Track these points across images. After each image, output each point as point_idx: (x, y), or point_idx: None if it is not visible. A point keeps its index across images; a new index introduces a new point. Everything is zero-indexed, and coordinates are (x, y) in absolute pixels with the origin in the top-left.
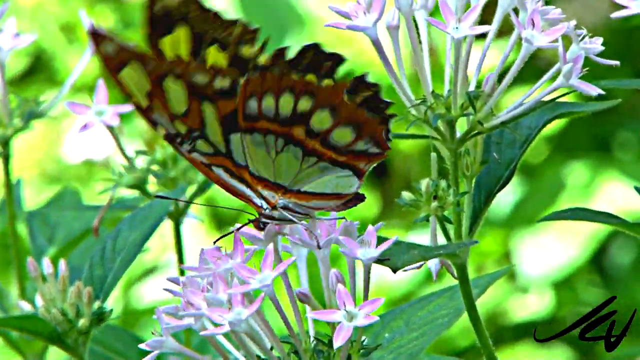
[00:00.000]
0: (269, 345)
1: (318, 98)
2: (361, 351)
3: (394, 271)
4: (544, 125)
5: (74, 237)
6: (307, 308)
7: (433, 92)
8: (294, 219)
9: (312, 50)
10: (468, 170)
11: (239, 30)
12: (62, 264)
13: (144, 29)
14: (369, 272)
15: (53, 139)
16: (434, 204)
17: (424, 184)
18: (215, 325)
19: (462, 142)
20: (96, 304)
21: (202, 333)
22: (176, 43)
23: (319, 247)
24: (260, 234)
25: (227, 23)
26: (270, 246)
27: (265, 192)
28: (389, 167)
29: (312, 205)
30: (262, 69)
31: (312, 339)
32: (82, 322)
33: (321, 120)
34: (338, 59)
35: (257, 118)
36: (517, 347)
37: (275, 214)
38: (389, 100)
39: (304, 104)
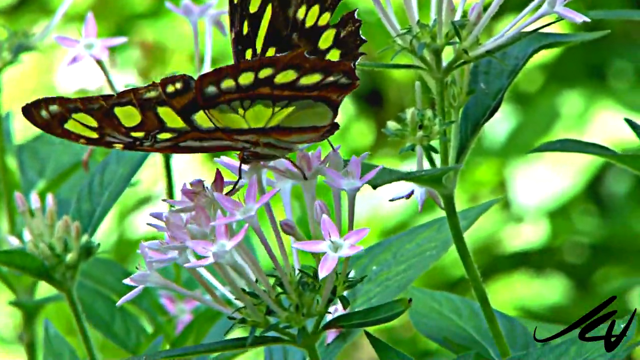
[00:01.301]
0: (254, 278)
1: (277, 66)
2: (346, 283)
3: (374, 188)
4: (531, 55)
5: (64, 170)
6: (292, 240)
7: (419, 21)
8: (277, 153)
9: None
10: (455, 101)
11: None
12: (49, 198)
13: None
14: (353, 203)
15: (46, 68)
16: (420, 133)
17: (410, 113)
18: (200, 258)
19: (448, 72)
20: (84, 238)
21: (185, 265)
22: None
23: (305, 178)
24: (245, 167)
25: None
26: (254, 177)
27: (243, 138)
28: (383, 97)
29: (292, 139)
30: None
31: (297, 271)
32: (70, 257)
33: (286, 75)
34: None
35: (218, 96)
36: (513, 277)
37: (258, 149)
38: (364, 38)
39: (265, 72)
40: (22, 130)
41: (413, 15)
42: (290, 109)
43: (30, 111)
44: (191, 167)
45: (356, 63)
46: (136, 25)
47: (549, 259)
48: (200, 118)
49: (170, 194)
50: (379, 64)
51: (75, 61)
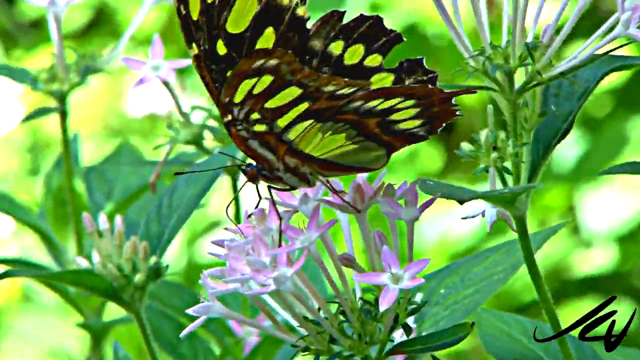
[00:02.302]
0: (316, 306)
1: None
2: (409, 310)
3: (461, 203)
4: (602, 77)
5: (131, 192)
6: (353, 271)
7: (491, 43)
8: (298, 184)
9: (371, 22)
10: (526, 122)
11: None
12: (118, 219)
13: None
14: (412, 232)
15: (116, 92)
16: (494, 154)
17: (484, 135)
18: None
19: (520, 93)
20: (152, 260)
21: (247, 293)
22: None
23: (358, 211)
24: (296, 198)
25: None
26: (315, 207)
27: (290, 160)
28: (452, 122)
29: (332, 175)
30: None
31: (358, 299)
32: (138, 278)
33: (403, 113)
34: (396, 38)
35: (353, 113)
36: (582, 302)
37: (286, 175)
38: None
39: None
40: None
41: (485, 37)
42: (358, 145)
43: None
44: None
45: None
46: None
47: (618, 283)
48: (301, 127)
49: (237, 217)
50: (452, 86)
51: (142, 83)
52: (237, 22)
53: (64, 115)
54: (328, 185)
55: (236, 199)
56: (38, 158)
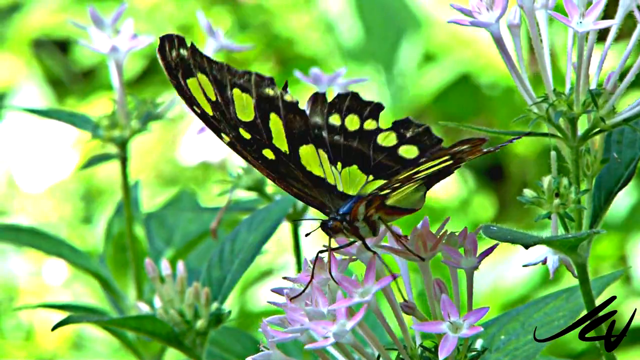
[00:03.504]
0: (375, 354)
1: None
2: (468, 357)
3: (526, 247)
4: None
5: (191, 239)
6: (413, 319)
7: (555, 89)
8: (367, 234)
9: (350, 96)
10: (588, 170)
11: (255, 78)
12: (180, 265)
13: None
14: (472, 280)
15: (169, 141)
16: (556, 201)
17: (546, 181)
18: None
19: (584, 140)
20: (214, 305)
21: (307, 347)
22: (202, 84)
23: (422, 259)
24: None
25: (240, 73)
26: (372, 258)
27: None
28: (505, 170)
29: (390, 220)
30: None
31: (418, 346)
32: (200, 323)
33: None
34: (378, 106)
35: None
36: (633, 351)
37: (359, 224)
38: (439, 137)
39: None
40: (148, 200)
41: (549, 83)
42: (412, 187)
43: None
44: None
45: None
46: None
47: None
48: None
49: (299, 264)
50: (516, 132)
51: (204, 130)
52: (244, 113)
53: (124, 161)
54: (393, 232)
55: (297, 247)
56: (90, 207)
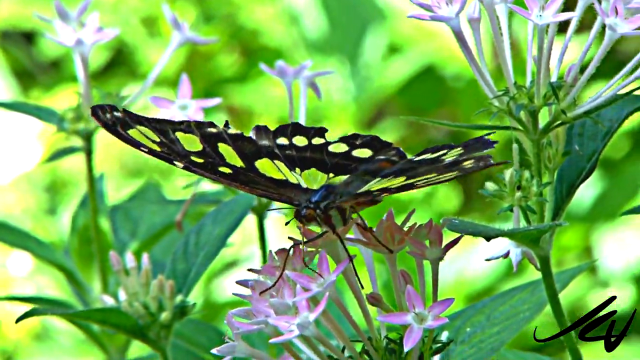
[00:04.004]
0: (340, 346)
1: None
2: (433, 349)
3: (488, 240)
4: (626, 117)
5: (156, 231)
6: (378, 310)
7: (515, 83)
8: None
9: (292, 126)
10: (550, 162)
11: (195, 124)
12: (145, 257)
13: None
14: (437, 272)
15: None
16: (518, 194)
17: (508, 174)
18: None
19: (545, 133)
20: (178, 298)
21: (271, 341)
22: (143, 132)
23: (390, 252)
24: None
25: (178, 122)
26: (323, 251)
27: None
28: None
29: (361, 209)
30: None
31: (383, 338)
32: (165, 316)
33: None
34: (321, 129)
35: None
36: (598, 341)
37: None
38: (388, 142)
39: None
40: (112, 191)
41: (510, 77)
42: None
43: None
44: (279, 231)
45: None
46: (223, 90)
47: (635, 324)
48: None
49: (264, 256)
50: (477, 126)
51: None
52: (191, 146)
53: (89, 154)
54: (363, 224)
55: (262, 239)
56: (55, 198)
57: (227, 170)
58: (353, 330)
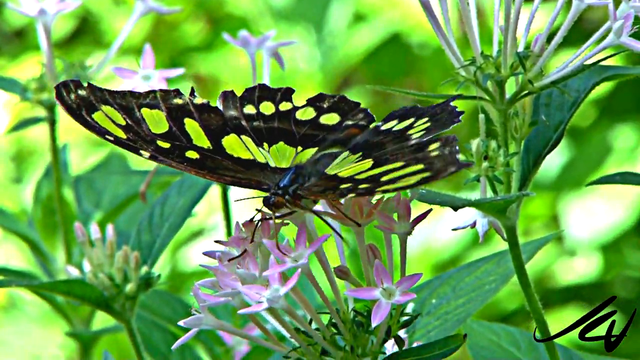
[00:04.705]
0: (308, 318)
1: None
2: (401, 322)
3: (455, 210)
4: (592, 87)
5: (120, 202)
6: (346, 283)
7: (482, 53)
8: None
9: (259, 89)
10: (517, 132)
11: (161, 94)
12: (109, 228)
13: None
14: (405, 246)
15: None
16: (485, 164)
17: (475, 144)
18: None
19: (511, 103)
20: (144, 269)
21: (240, 312)
22: (108, 114)
23: (359, 225)
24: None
25: (144, 94)
26: (302, 222)
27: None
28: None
29: None
30: None
31: (351, 311)
32: (130, 287)
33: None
34: (288, 90)
35: None
36: (565, 310)
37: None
38: (356, 102)
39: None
40: (77, 161)
41: (476, 47)
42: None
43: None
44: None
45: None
46: (189, 58)
47: (601, 293)
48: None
49: (229, 227)
50: (444, 96)
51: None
52: (157, 127)
53: (53, 124)
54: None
55: (227, 209)
56: (22, 166)
57: (194, 155)
58: (319, 301)
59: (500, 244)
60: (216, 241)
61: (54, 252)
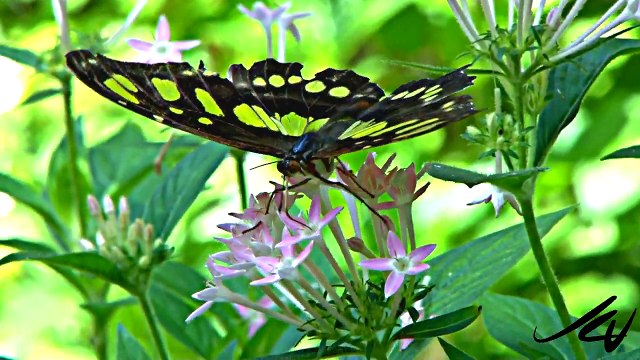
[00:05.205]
0: (323, 290)
1: None
2: (415, 294)
3: (470, 186)
4: (608, 61)
5: (135, 174)
6: (360, 255)
7: (497, 26)
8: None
9: (267, 63)
10: (532, 106)
11: (170, 66)
12: (122, 201)
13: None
14: (410, 218)
15: None
16: (500, 138)
17: (490, 118)
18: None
19: (527, 77)
20: (157, 242)
21: (252, 283)
22: (120, 82)
23: (372, 196)
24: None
25: (154, 66)
26: (317, 195)
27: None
28: None
29: (340, 154)
30: None
31: (365, 283)
32: (143, 260)
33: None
34: (297, 65)
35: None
36: (580, 281)
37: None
38: (365, 77)
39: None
40: (93, 132)
41: (492, 20)
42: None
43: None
44: (259, 173)
45: None
46: (205, 29)
47: (617, 263)
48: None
49: (244, 199)
50: (460, 70)
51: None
52: (169, 95)
53: (68, 96)
54: (345, 169)
55: (242, 181)
56: (36, 137)
57: (207, 122)
58: (334, 273)
59: (515, 216)
60: (230, 214)
61: (68, 224)
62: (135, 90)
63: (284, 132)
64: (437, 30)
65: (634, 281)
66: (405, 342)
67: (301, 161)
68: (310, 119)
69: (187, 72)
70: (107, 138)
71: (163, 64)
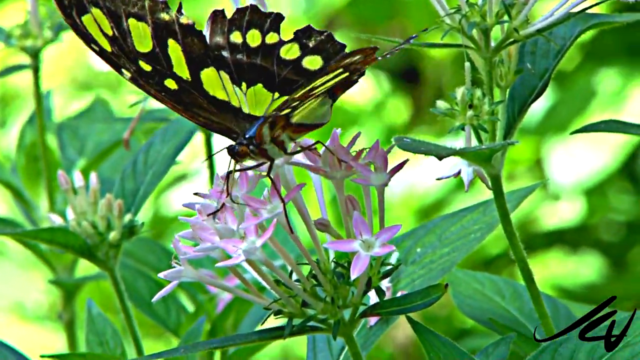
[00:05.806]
0: (289, 269)
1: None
2: (381, 273)
3: (440, 159)
4: (578, 35)
5: (104, 149)
6: (327, 236)
7: (467, 0)
8: (276, 156)
9: (249, 10)
10: (502, 80)
11: (149, 3)
12: (92, 176)
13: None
14: (383, 197)
15: (83, 46)
16: (470, 112)
17: (460, 92)
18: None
19: (497, 51)
20: (127, 217)
21: (217, 265)
22: (97, 19)
23: (337, 177)
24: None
25: (134, 1)
26: (277, 174)
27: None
28: (420, 74)
29: (298, 137)
30: None
31: (331, 261)
32: (113, 235)
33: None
34: (278, 16)
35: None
36: (548, 254)
37: (267, 146)
38: (343, 43)
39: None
40: (62, 105)
41: None
42: (316, 101)
43: None
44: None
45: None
46: None
47: (585, 237)
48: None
49: (212, 175)
50: (429, 44)
51: None
52: (142, 44)
53: (36, 71)
54: (302, 148)
55: (210, 157)
56: (5, 111)
57: (172, 85)
58: (299, 252)
59: (484, 190)
60: (195, 193)
61: (37, 200)
62: (110, 34)
63: (245, 110)
64: (406, 4)
65: (602, 255)
66: (373, 319)
67: (251, 147)
68: (276, 95)
69: (165, 16)
70: (75, 113)
71: (142, 1)
